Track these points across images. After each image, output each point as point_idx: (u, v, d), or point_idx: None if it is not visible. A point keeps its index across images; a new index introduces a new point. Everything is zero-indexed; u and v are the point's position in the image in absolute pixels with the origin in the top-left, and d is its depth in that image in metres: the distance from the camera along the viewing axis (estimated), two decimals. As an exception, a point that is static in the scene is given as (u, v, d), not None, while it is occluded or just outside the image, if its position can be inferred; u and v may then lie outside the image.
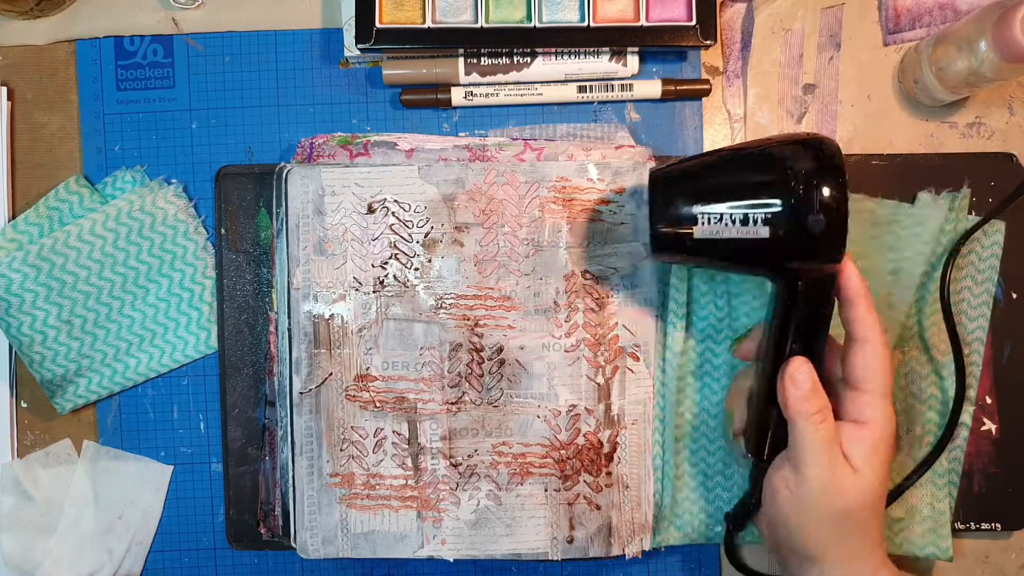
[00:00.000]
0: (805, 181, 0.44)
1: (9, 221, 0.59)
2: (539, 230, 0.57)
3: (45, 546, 0.60)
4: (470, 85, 0.59)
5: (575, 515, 0.57)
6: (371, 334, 0.57)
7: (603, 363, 0.57)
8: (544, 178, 0.57)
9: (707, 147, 0.60)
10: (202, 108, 0.60)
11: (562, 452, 0.57)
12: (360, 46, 0.56)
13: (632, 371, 0.57)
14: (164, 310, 0.60)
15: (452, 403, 0.57)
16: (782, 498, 0.49)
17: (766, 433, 0.51)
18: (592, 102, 0.60)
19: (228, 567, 0.61)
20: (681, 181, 0.49)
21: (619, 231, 0.57)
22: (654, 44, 0.57)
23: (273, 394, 0.59)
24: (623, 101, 0.60)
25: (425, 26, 0.56)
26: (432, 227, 0.57)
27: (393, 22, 0.56)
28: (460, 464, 0.57)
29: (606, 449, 0.57)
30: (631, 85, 0.59)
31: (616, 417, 0.57)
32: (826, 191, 0.44)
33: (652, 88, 0.59)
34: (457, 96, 0.59)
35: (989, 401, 0.59)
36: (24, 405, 0.61)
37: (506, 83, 0.59)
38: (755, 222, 0.45)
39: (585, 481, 0.57)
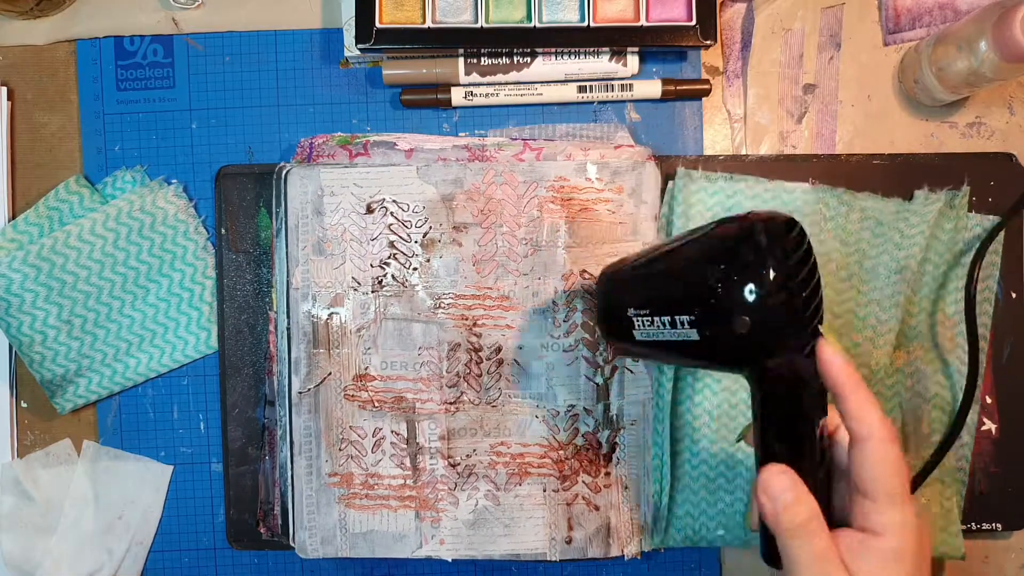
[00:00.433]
0: (723, 280, 0.39)
1: (9, 221, 0.59)
2: (537, 230, 0.57)
3: (45, 546, 0.60)
4: (470, 85, 0.59)
5: (574, 516, 0.57)
6: (370, 334, 0.57)
7: (602, 363, 0.57)
8: (543, 178, 0.57)
9: (707, 147, 0.60)
10: (202, 108, 0.61)
11: (561, 452, 0.57)
12: (360, 46, 0.56)
13: (631, 371, 0.57)
14: (164, 310, 0.60)
15: (450, 403, 0.57)
16: None
17: (772, 538, 0.42)
18: (592, 102, 0.60)
19: (228, 567, 0.61)
20: (618, 284, 0.48)
21: (617, 231, 0.57)
22: (654, 44, 0.57)
23: (273, 394, 0.59)
24: (623, 101, 0.60)
25: (425, 26, 0.56)
26: (431, 227, 0.57)
27: (393, 22, 0.56)
28: (459, 464, 0.57)
29: (605, 450, 0.57)
30: (631, 85, 0.59)
31: (615, 417, 0.57)
32: (749, 289, 0.38)
33: (652, 88, 0.59)
34: (457, 96, 0.59)
35: (989, 401, 0.59)
36: (24, 405, 0.61)
37: (506, 83, 0.59)
38: (682, 325, 0.42)
39: (584, 482, 0.57)
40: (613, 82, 0.59)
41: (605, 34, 0.56)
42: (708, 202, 0.57)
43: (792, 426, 0.41)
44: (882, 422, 0.39)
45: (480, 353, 0.57)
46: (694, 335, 0.42)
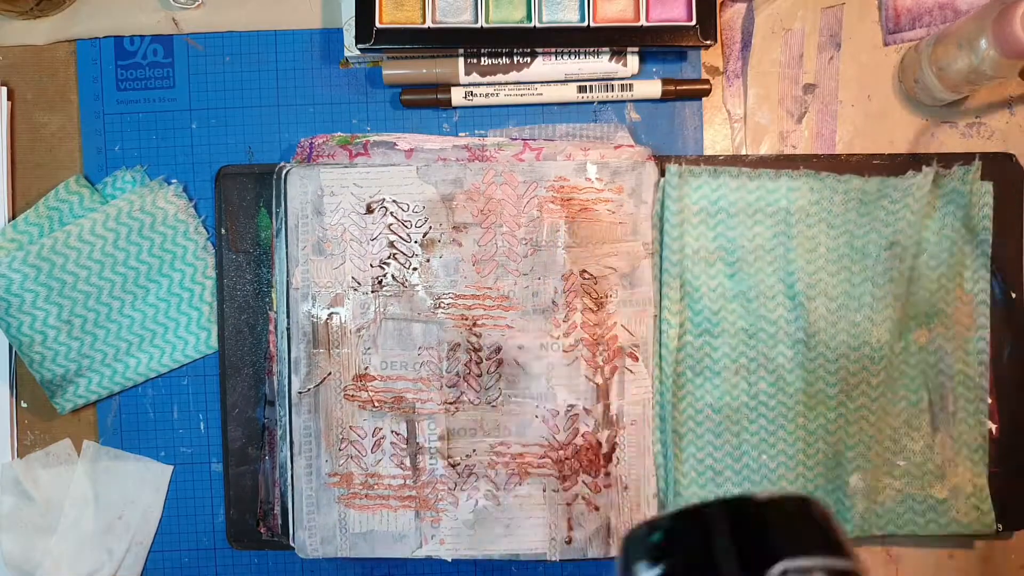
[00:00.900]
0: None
1: (9, 221, 0.59)
2: (537, 230, 0.57)
3: (45, 546, 0.60)
4: (470, 85, 0.59)
5: (574, 516, 0.57)
6: (369, 334, 0.57)
7: (602, 363, 0.57)
8: (542, 178, 0.57)
9: (707, 147, 0.60)
10: (202, 108, 0.61)
11: (560, 452, 0.57)
12: (360, 46, 0.56)
13: (631, 371, 0.57)
14: (164, 310, 0.60)
15: (450, 403, 0.57)
16: None
17: None
18: (592, 102, 0.60)
19: (228, 567, 0.61)
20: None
21: (617, 231, 0.57)
22: (654, 44, 0.57)
23: (273, 394, 0.59)
24: (623, 101, 0.60)
25: (425, 26, 0.56)
26: (430, 227, 0.57)
27: (393, 22, 0.56)
28: (458, 464, 0.57)
29: (605, 450, 0.57)
30: (631, 85, 0.59)
31: (615, 417, 0.57)
32: None
33: (652, 88, 0.59)
34: (457, 96, 0.59)
35: (989, 401, 0.59)
36: (24, 405, 0.61)
37: (506, 83, 0.59)
38: None
39: (584, 482, 0.57)
40: (613, 82, 0.59)
41: (605, 34, 0.56)
42: (693, 196, 0.57)
43: None
44: None
45: (480, 353, 0.57)
46: None
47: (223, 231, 0.59)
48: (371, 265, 0.57)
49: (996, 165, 0.58)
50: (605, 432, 0.57)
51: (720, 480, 0.58)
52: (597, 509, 0.57)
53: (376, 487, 0.58)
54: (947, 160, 0.58)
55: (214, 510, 0.61)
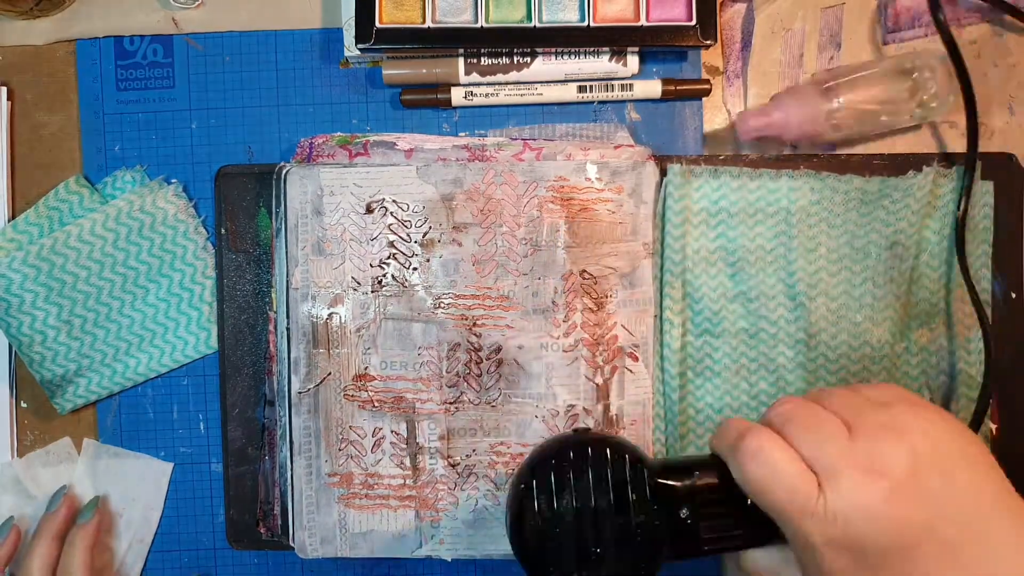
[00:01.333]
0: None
1: (9, 221, 0.59)
2: (537, 230, 0.57)
3: (45, 545, 0.60)
4: (470, 85, 0.59)
5: (573, 515, 0.57)
6: (369, 334, 0.57)
7: (602, 363, 0.57)
8: (542, 178, 0.57)
9: (707, 148, 0.60)
10: (202, 108, 0.61)
11: (561, 452, 0.57)
12: (360, 46, 0.56)
13: (631, 371, 0.57)
14: (164, 310, 0.60)
15: (450, 403, 0.57)
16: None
17: None
18: (592, 102, 0.60)
19: (228, 567, 0.61)
20: None
21: (617, 231, 0.57)
22: (654, 44, 0.57)
23: (273, 394, 0.59)
24: (623, 101, 0.60)
25: (425, 26, 0.56)
26: (430, 227, 0.57)
27: (393, 22, 0.56)
28: (458, 464, 0.57)
29: (605, 449, 0.57)
30: (631, 85, 0.59)
31: (615, 418, 0.57)
32: None
33: (652, 88, 0.59)
34: (457, 96, 0.59)
35: (990, 401, 0.58)
36: (24, 405, 0.61)
37: (506, 83, 0.59)
38: None
39: (584, 481, 0.57)
40: (613, 82, 0.59)
41: (605, 34, 0.56)
42: (694, 196, 0.57)
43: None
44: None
45: (480, 353, 0.57)
46: None
47: (223, 231, 0.59)
48: (371, 265, 0.57)
49: (996, 165, 0.58)
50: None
51: None
52: (597, 509, 0.57)
53: (376, 487, 0.58)
54: (947, 160, 0.58)
55: (214, 510, 0.61)
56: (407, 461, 0.58)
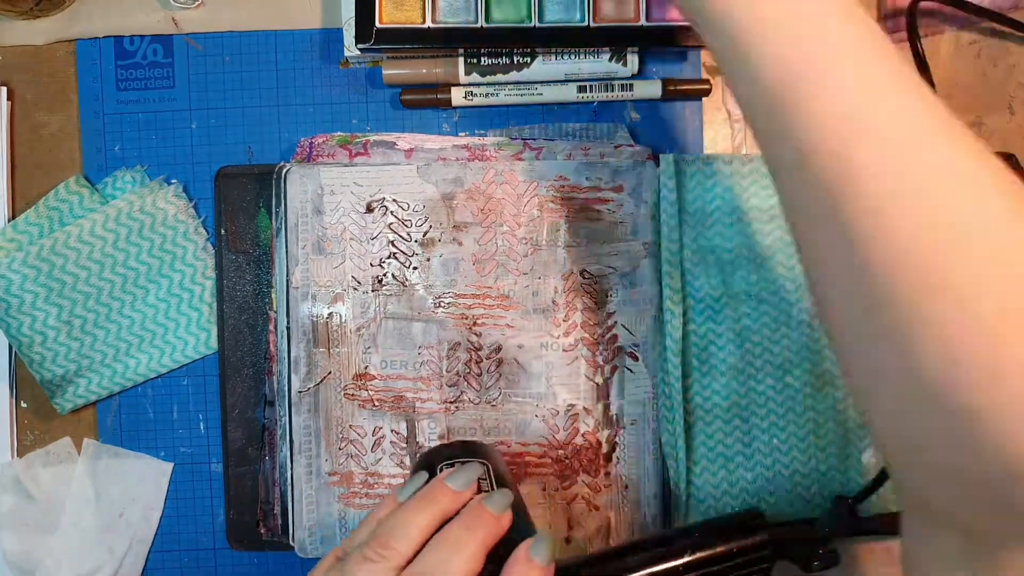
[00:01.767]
0: None
1: (9, 221, 0.59)
2: (538, 229, 0.57)
3: (46, 545, 0.60)
4: (470, 85, 0.59)
5: (573, 515, 0.57)
6: (369, 333, 0.57)
7: (602, 363, 0.57)
8: (543, 177, 0.57)
9: (707, 147, 0.60)
10: (202, 108, 0.61)
11: (560, 452, 0.57)
12: (360, 46, 0.56)
13: (631, 371, 0.57)
14: (164, 311, 0.60)
15: (450, 402, 0.57)
16: None
17: None
18: (592, 102, 0.60)
19: (228, 567, 0.61)
20: None
21: (618, 230, 0.57)
22: (654, 44, 0.57)
23: (273, 394, 0.59)
24: (623, 101, 0.60)
25: (425, 26, 0.56)
26: (430, 226, 0.57)
27: (393, 22, 0.56)
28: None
29: (605, 449, 0.57)
30: (631, 85, 0.59)
31: (615, 417, 0.57)
32: None
33: (652, 88, 0.59)
34: (457, 96, 0.59)
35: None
36: (24, 405, 0.61)
37: (506, 83, 0.59)
38: None
39: (583, 481, 0.57)
40: (613, 82, 0.59)
41: (605, 34, 0.56)
42: (689, 185, 0.57)
43: None
44: None
45: (480, 352, 0.57)
46: None
47: (223, 231, 0.59)
48: (371, 264, 0.57)
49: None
50: (605, 432, 0.57)
51: (732, 466, 0.58)
52: (597, 509, 0.57)
53: (376, 486, 0.58)
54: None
55: (214, 510, 0.61)
56: (407, 460, 0.58)
